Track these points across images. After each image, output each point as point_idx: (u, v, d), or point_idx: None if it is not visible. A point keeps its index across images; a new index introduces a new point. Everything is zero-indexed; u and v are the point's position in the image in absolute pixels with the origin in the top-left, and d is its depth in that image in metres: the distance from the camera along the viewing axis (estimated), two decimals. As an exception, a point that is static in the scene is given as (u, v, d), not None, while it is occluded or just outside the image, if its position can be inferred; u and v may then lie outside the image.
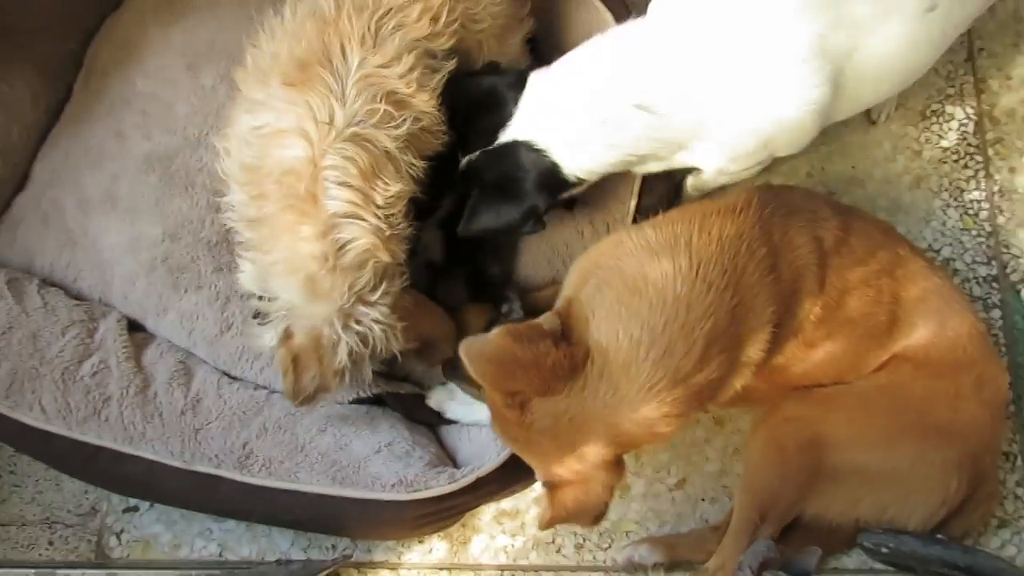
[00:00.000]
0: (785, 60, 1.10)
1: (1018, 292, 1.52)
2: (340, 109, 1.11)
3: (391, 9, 1.16)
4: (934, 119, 1.61)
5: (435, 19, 1.18)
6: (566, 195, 1.27)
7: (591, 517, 1.08)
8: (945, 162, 1.59)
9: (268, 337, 1.17)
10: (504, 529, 1.41)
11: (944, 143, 1.60)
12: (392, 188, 1.14)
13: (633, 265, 1.11)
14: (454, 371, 1.24)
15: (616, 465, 1.07)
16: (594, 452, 1.05)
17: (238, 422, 1.28)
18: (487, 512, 1.41)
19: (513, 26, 1.34)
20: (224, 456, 1.26)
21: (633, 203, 1.37)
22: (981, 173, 1.58)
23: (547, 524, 1.10)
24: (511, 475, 1.25)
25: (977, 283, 1.52)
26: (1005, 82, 1.63)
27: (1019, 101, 1.62)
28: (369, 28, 1.14)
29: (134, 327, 1.36)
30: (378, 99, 1.13)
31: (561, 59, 1.21)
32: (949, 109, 1.61)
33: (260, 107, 1.14)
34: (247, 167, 1.14)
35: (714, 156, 1.21)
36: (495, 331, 1.05)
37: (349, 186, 1.10)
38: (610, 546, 1.41)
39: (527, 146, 1.20)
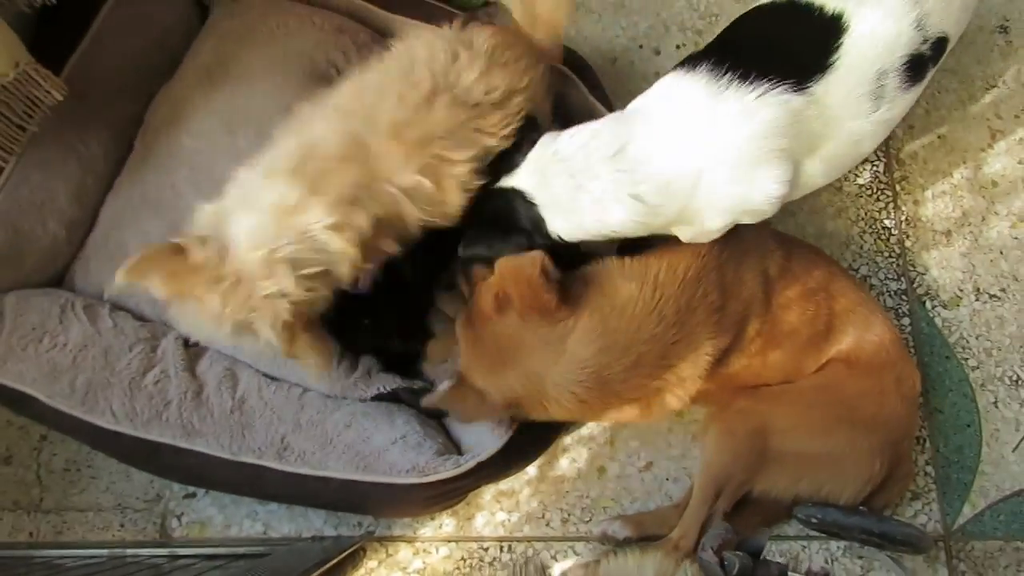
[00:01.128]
0: (758, 169, 1.05)
1: (923, 303, 1.51)
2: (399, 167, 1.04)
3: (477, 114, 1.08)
4: (851, 161, 1.62)
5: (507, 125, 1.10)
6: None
7: (465, 418, 1.19)
8: (861, 196, 1.59)
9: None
10: (502, 506, 1.39)
11: (860, 180, 1.60)
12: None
13: (611, 281, 1.13)
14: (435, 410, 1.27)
15: (507, 408, 1.12)
16: (510, 378, 1.08)
17: (277, 419, 1.26)
18: (488, 492, 1.39)
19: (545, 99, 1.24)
20: (265, 448, 1.24)
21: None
22: (891, 205, 1.58)
23: (432, 402, 1.15)
24: (506, 461, 1.25)
25: (889, 296, 1.52)
26: (908, 130, 1.62)
27: (920, 146, 1.62)
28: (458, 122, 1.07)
29: (188, 343, 1.34)
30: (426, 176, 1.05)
31: (572, 130, 1.12)
32: (863, 153, 1.62)
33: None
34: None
35: (687, 233, 1.15)
36: (535, 252, 1.08)
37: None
38: (591, 519, 1.38)
39: (522, 196, 1.13)
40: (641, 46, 1.68)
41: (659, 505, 1.38)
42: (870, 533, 1.21)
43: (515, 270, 1.06)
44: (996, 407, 1.45)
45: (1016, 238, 1.55)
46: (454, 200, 1.12)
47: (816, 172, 1.10)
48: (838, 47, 1.03)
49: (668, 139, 1.06)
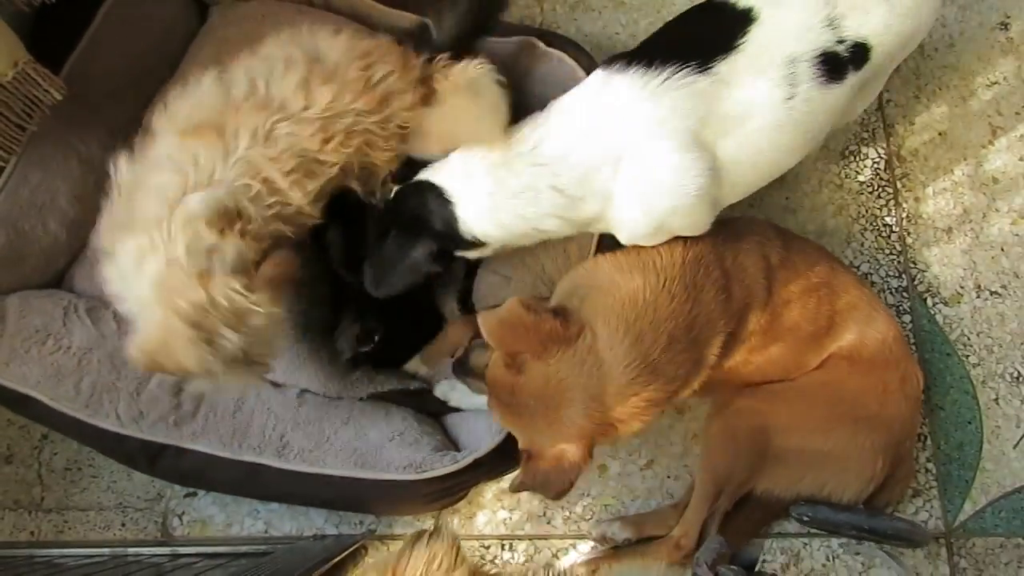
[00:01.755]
0: (670, 154, 1.05)
1: (924, 300, 1.51)
2: (220, 169, 1.01)
3: (289, 119, 1.05)
4: (852, 158, 1.61)
5: (326, 140, 1.07)
6: (463, 253, 1.17)
7: (555, 491, 1.06)
8: (862, 193, 1.58)
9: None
10: (503, 505, 1.39)
11: (861, 178, 1.60)
12: (243, 246, 1.00)
13: (610, 279, 1.11)
14: (462, 368, 1.20)
15: (586, 451, 1.05)
16: (572, 418, 1.02)
17: (275, 418, 1.26)
18: (489, 491, 1.39)
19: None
20: (265, 446, 1.24)
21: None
22: (892, 202, 1.58)
23: (517, 488, 1.08)
24: (504, 457, 1.23)
25: (890, 293, 1.52)
26: (909, 127, 1.62)
27: (921, 143, 1.62)
28: (264, 125, 1.04)
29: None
30: (255, 179, 1.03)
31: None
32: (864, 150, 1.61)
33: (152, 144, 1.07)
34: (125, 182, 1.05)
35: (620, 231, 1.15)
36: (508, 300, 1.06)
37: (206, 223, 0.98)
38: (592, 517, 1.39)
39: (438, 192, 1.12)
40: (641, 43, 1.68)
41: (660, 503, 1.38)
42: (860, 529, 1.21)
43: (502, 323, 1.04)
44: (997, 404, 1.45)
45: (1017, 235, 1.55)
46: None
47: (738, 161, 1.09)
48: (746, 32, 1.06)
49: (584, 131, 1.09)
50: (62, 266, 1.37)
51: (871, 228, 1.56)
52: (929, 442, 1.42)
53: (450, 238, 1.13)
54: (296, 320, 1.30)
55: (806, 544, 1.36)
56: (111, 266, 1.04)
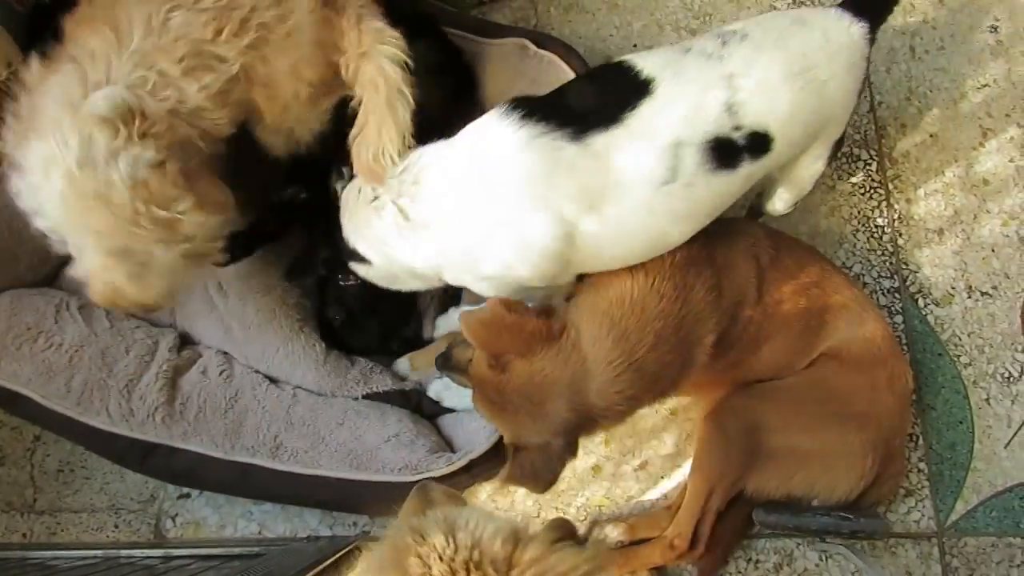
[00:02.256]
0: (524, 213, 1.03)
1: (916, 301, 1.52)
2: (116, 63, 0.96)
3: (182, 7, 1.00)
4: (844, 159, 1.61)
5: (218, 31, 1.01)
6: (356, 266, 1.16)
7: (543, 483, 1.07)
8: (854, 195, 1.59)
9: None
10: (497, 505, 1.39)
11: (853, 179, 1.61)
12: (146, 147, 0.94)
13: (599, 277, 1.13)
14: (446, 361, 1.20)
15: (572, 444, 1.06)
16: (556, 411, 1.04)
17: (269, 417, 1.27)
18: (483, 491, 1.39)
19: (320, 95, 1.14)
20: (258, 447, 1.24)
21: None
22: (884, 204, 1.59)
23: (505, 480, 1.07)
24: (498, 457, 1.23)
25: (882, 294, 1.52)
26: (900, 129, 1.64)
27: (912, 145, 1.63)
28: (158, 14, 0.99)
29: (184, 344, 1.34)
30: (150, 71, 0.98)
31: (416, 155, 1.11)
32: (856, 151, 1.62)
33: (62, 46, 1.02)
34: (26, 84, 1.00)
35: (473, 284, 1.13)
36: (489, 301, 1.06)
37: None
38: (586, 518, 1.39)
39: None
40: (635, 45, 1.69)
41: (654, 504, 1.39)
42: (787, 528, 1.23)
43: (484, 324, 1.04)
44: (988, 404, 1.46)
45: (1007, 236, 1.56)
46: None
47: (602, 235, 1.04)
48: (635, 106, 1.01)
49: (453, 173, 1.07)
50: (55, 265, 1.37)
51: (863, 229, 1.57)
52: (921, 442, 1.43)
53: (340, 247, 1.16)
54: (290, 313, 1.31)
55: (799, 544, 1.37)
56: (19, 178, 0.98)
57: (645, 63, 1.04)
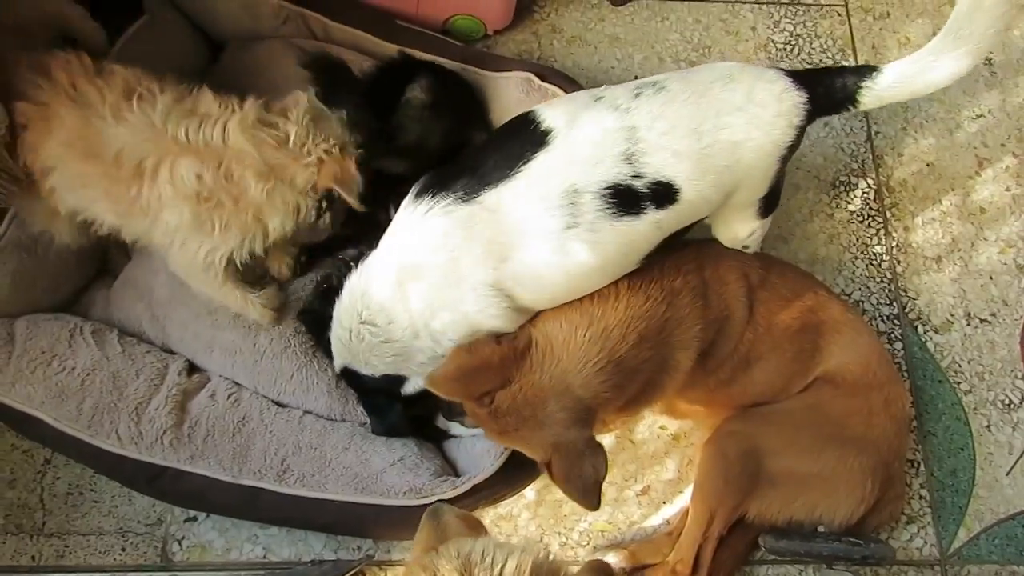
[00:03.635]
0: (455, 287, 1.08)
1: (915, 328, 1.54)
2: None
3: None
4: (842, 188, 1.65)
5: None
6: None
7: (591, 483, 1.06)
8: (852, 223, 1.62)
9: None
10: (501, 530, 1.39)
11: (851, 207, 1.64)
12: None
13: None
14: (449, 411, 1.25)
15: (586, 435, 1.07)
16: (550, 414, 1.06)
17: (277, 442, 1.28)
18: (487, 516, 1.39)
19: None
20: (265, 471, 1.25)
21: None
22: (882, 231, 1.62)
23: (581, 501, 1.06)
24: (502, 482, 1.25)
25: (882, 321, 1.54)
26: (897, 158, 1.67)
27: (910, 174, 1.66)
28: None
29: (194, 369, 1.37)
30: None
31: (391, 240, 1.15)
32: (854, 180, 1.65)
33: None
34: None
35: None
36: (448, 353, 1.09)
37: None
38: (588, 543, 1.39)
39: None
40: (636, 77, 1.73)
41: (656, 529, 1.39)
42: (798, 554, 1.23)
43: (451, 377, 1.07)
44: (989, 431, 1.47)
45: (1005, 263, 1.58)
46: None
47: (526, 278, 1.07)
48: (529, 160, 1.04)
49: (387, 277, 1.12)
50: (71, 291, 1.41)
51: (862, 257, 1.59)
52: (922, 468, 1.43)
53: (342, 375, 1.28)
54: (304, 340, 1.34)
55: (801, 571, 1.37)
56: None
57: (548, 114, 1.07)
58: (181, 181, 1.10)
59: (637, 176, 1.03)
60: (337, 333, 1.20)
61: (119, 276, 1.44)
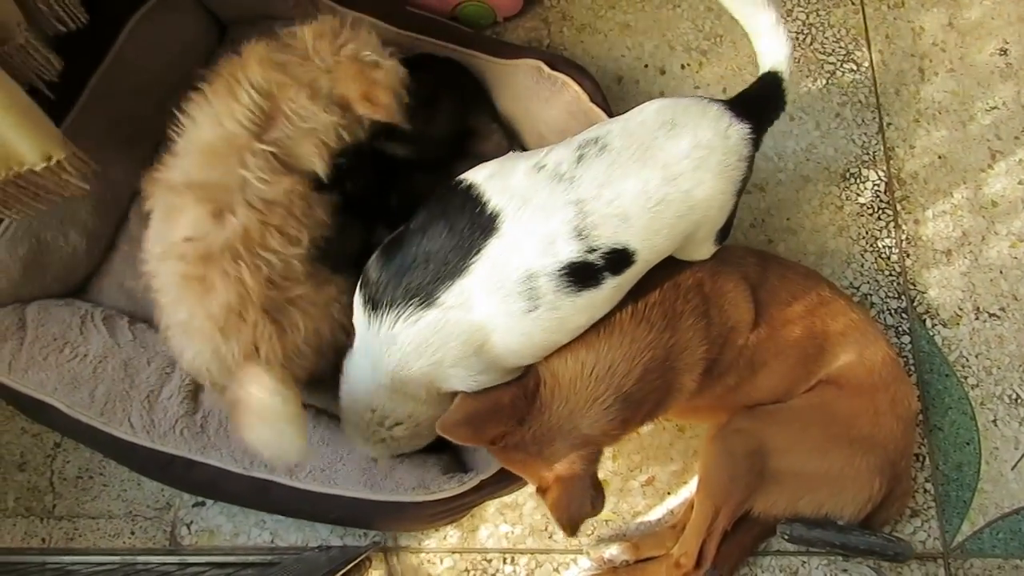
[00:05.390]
0: (433, 388, 1.09)
1: (923, 321, 1.54)
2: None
3: None
4: (852, 180, 1.64)
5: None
6: None
7: (587, 505, 1.06)
8: (862, 215, 1.61)
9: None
10: (506, 519, 1.41)
11: (861, 200, 1.63)
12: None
13: None
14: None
15: (589, 461, 1.07)
16: (557, 452, 1.06)
17: (289, 437, 1.29)
18: (492, 504, 1.41)
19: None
20: (277, 465, 1.26)
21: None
22: (892, 224, 1.61)
23: (565, 528, 1.06)
24: (509, 477, 1.24)
25: (890, 314, 1.54)
26: (909, 150, 1.66)
27: (921, 166, 1.65)
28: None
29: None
30: None
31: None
32: (864, 172, 1.64)
33: None
34: None
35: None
36: (456, 399, 1.07)
37: None
38: (592, 532, 1.40)
39: None
40: (646, 66, 1.72)
41: (660, 519, 1.41)
42: (832, 545, 1.22)
43: (460, 424, 1.05)
44: (995, 425, 1.47)
45: (1016, 258, 1.58)
46: None
47: (506, 350, 1.06)
48: (479, 251, 1.01)
49: (365, 381, 1.12)
50: (82, 276, 1.41)
51: (871, 249, 1.59)
52: (927, 462, 1.44)
53: None
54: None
55: (804, 563, 1.38)
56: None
57: (493, 192, 1.02)
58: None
59: (591, 250, 1.00)
60: (364, 447, 1.22)
61: (118, 255, 1.43)
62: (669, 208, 1.02)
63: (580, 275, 1.01)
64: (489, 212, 1.02)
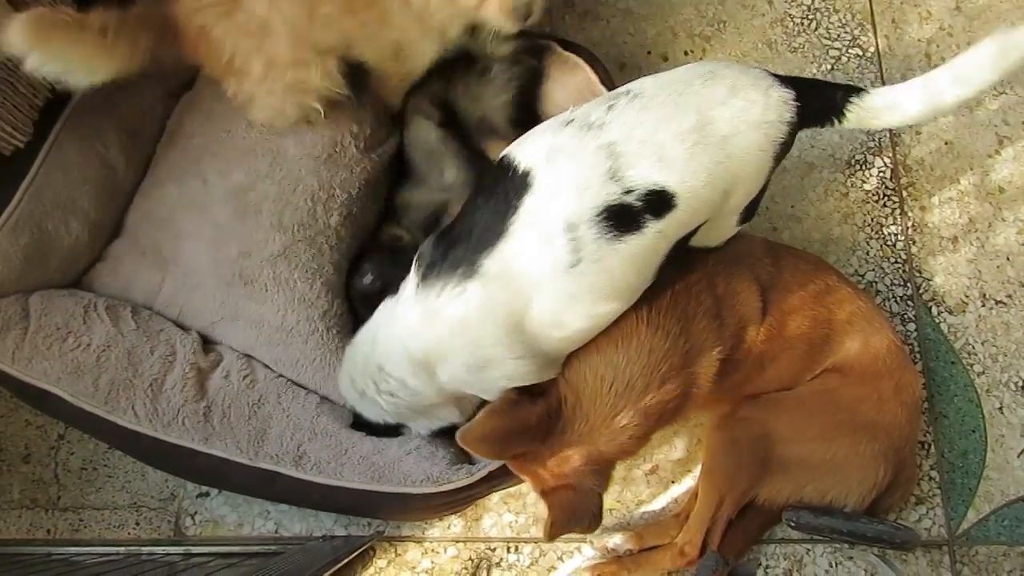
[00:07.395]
0: (484, 368, 1.07)
1: (929, 309, 1.54)
2: None
3: None
4: (858, 167, 1.64)
5: None
6: None
7: (587, 518, 1.07)
8: (868, 202, 1.61)
9: None
10: (510, 508, 1.42)
11: (867, 186, 1.63)
12: None
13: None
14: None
15: (601, 473, 1.08)
16: (573, 468, 1.07)
17: (294, 426, 1.29)
18: (496, 494, 1.42)
19: None
20: (282, 455, 1.26)
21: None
22: (897, 211, 1.61)
23: (551, 531, 1.05)
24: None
25: (895, 301, 1.54)
26: (915, 136, 1.65)
27: (927, 152, 1.65)
28: None
29: (207, 347, 1.37)
30: None
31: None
32: (870, 159, 1.64)
33: None
34: None
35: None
36: (480, 414, 1.06)
37: None
38: (597, 521, 1.43)
39: None
40: (649, 52, 1.72)
41: (664, 508, 1.41)
42: (840, 533, 1.23)
43: (485, 439, 1.03)
44: (1001, 413, 1.47)
45: (1023, 244, 1.58)
46: None
47: (548, 328, 1.04)
48: (518, 209, 1.00)
49: (409, 350, 1.11)
50: (83, 266, 1.41)
51: (876, 236, 1.59)
52: (933, 450, 1.44)
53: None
54: (331, 325, 1.35)
55: (809, 550, 1.39)
56: None
57: (522, 154, 1.03)
58: None
59: (627, 191, 0.99)
60: (347, 385, 1.23)
61: (122, 242, 1.44)
62: (706, 151, 1.00)
63: (620, 219, 0.99)
64: (521, 171, 1.02)
